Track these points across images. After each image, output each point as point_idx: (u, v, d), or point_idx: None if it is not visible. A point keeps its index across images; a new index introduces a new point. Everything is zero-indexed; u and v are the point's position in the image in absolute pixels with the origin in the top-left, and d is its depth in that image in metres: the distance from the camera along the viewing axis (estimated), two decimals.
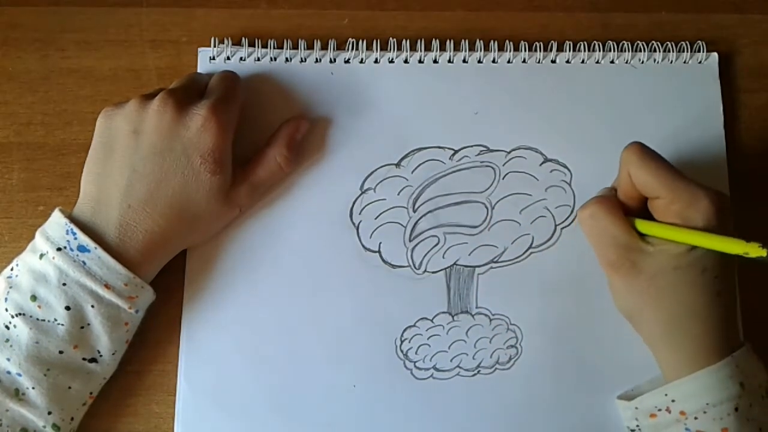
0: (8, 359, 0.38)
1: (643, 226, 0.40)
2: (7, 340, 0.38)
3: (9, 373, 0.38)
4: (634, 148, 0.40)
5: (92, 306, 0.39)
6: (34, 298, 0.38)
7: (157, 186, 0.40)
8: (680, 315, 0.38)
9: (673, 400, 0.39)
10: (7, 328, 0.38)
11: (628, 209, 0.41)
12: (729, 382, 0.38)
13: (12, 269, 0.39)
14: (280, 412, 0.43)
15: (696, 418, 0.38)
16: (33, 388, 0.38)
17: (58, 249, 0.38)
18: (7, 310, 0.38)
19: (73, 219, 0.39)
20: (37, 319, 0.38)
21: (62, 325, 0.38)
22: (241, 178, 0.43)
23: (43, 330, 0.38)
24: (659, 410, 0.39)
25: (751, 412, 0.38)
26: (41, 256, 0.39)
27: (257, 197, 0.44)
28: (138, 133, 0.40)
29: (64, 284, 0.38)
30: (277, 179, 0.44)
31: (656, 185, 0.39)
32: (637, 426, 0.41)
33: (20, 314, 0.38)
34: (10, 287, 0.39)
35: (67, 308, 0.38)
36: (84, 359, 0.40)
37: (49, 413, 0.39)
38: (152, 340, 0.44)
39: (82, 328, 0.39)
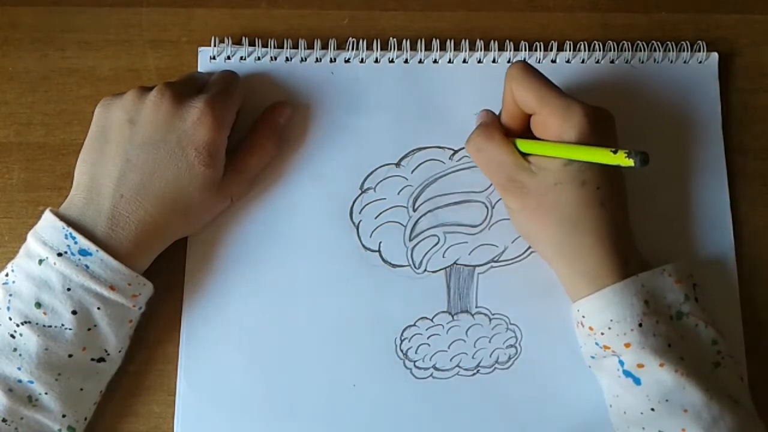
0: (19, 368, 0.38)
1: (523, 145, 0.41)
2: (15, 349, 0.38)
3: (20, 381, 0.38)
4: (518, 65, 0.40)
5: (98, 308, 0.39)
6: (38, 305, 0.38)
7: (150, 177, 0.40)
8: (568, 229, 0.39)
9: (583, 316, 0.40)
10: (13, 336, 0.38)
11: (512, 130, 0.42)
12: (633, 299, 0.38)
13: (7, 275, 0.39)
14: (280, 411, 0.43)
15: (602, 333, 0.39)
16: (46, 393, 0.38)
17: (59, 254, 0.38)
18: (11, 318, 0.38)
19: (65, 217, 0.39)
20: (44, 325, 0.38)
21: (70, 329, 0.38)
22: (230, 168, 0.43)
23: (51, 336, 0.38)
24: (577, 322, 0.41)
25: (657, 328, 0.38)
26: (40, 261, 0.38)
27: (248, 185, 0.44)
28: (133, 123, 0.40)
29: (69, 289, 0.38)
30: (264, 164, 0.45)
31: (533, 101, 0.39)
32: None
33: (26, 322, 0.38)
34: (11, 295, 0.38)
35: (74, 312, 0.38)
36: (93, 360, 0.40)
37: (64, 416, 0.39)
38: (152, 340, 0.44)
39: (90, 330, 0.39)
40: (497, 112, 0.44)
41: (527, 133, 0.42)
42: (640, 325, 0.38)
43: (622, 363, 0.39)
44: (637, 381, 0.38)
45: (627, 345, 0.38)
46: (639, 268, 0.40)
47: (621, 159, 0.35)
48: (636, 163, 0.34)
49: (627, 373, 0.39)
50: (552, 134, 0.39)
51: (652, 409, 0.38)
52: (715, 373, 0.39)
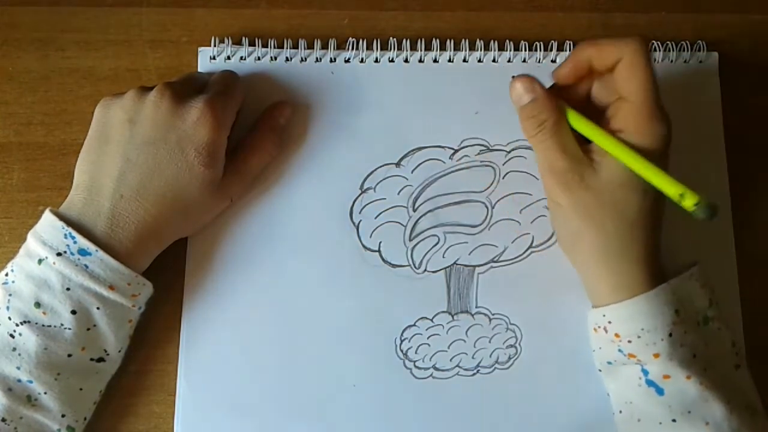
0: (18, 368, 0.38)
1: (579, 123, 0.39)
2: (15, 349, 0.38)
3: (20, 381, 0.38)
4: (644, 39, 0.38)
5: (98, 308, 0.39)
6: (38, 305, 0.38)
7: (150, 176, 0.40)
8: (621, 236, 0.38)
9: (609, 322, 0.39)
10: (12, 336, 0.38)
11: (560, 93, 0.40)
12: (665, 308, 0.38)
13: (7, 274, 0.39)
14: (280, 411, 0.43)
15: (630, 341, 0.38)
16: (45, 393, 0.38)
17: (59, 254, 0.38)
18: (10, 318, 0.38)
19: (65, 217, 0.39)
20: (43, 325, 0.38)
21: (69, 329, 0.38)
22: (231, 168, 0.43)
23: (50, 336, 0.38)
24: (599, 327, 0.40)
25: (685, 338, 0.38)
26: (40, 261, 0.38)
27: (248, 186, 0.44)
28: (133, 122, 0.40)
29: (68, 289, 0.38)
30: (265, 164, 0.45)
31: (648, 86, 0.37)
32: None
33: (25, 322, 0.38)
34: (10, 294, 0.38)
35: (73, 312, 0.38)
36: (92, 359, 0.40)
37: (63, 416, 0.39)
38: (152, 340, 0.44)
39: (89, 329, 0.39)
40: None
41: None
42: (670, 335, 0.38)
43: (646, 372, 0.38)
44: (660, 391, 0.38)
45: (656, 355, 0.38)
46: (661, 271, 0.39)
47: (687, 203, 0.34)
48: (702, 216, 0.34)
49: (650, 383, 0.38)
50: (630, 126, 0.38)
51: (674, 420, 0.37)
52: (735, 376, 0.39)
